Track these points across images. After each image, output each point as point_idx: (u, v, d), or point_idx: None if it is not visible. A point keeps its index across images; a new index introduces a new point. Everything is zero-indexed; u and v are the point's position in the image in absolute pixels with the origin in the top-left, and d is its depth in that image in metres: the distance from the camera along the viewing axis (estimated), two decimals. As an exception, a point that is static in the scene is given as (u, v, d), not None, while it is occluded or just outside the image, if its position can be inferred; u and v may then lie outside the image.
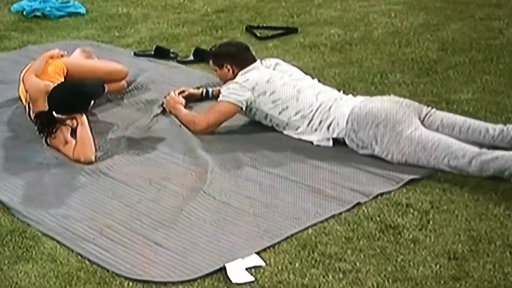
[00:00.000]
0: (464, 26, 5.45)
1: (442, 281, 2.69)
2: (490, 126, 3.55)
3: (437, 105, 3.97)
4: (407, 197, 3.25)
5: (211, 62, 4.08)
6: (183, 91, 4.27)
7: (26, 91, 4.03)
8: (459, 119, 3.63)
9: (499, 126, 3.53)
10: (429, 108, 3.70)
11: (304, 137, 3.77)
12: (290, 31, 5.50)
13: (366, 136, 3.56)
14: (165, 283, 2.75)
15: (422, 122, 3.60)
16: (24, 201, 3.37)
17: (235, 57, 3.99)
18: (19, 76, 4.19)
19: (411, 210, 3.15)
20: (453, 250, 2.87)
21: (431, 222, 3.06)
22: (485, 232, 2.97)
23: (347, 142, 3.64)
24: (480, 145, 3.46)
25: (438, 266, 2.78)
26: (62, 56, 4.31)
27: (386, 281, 2.70)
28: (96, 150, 3.73)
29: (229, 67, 3.97)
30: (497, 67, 4.65)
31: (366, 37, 5.33)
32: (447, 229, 3.01)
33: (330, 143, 3.70)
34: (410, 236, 2.98)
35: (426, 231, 3.01)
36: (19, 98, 4.24)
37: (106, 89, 4.22)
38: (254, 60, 4.01)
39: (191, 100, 4.27)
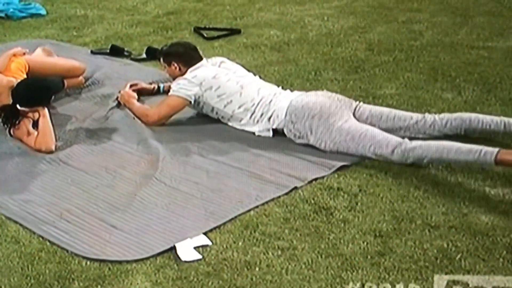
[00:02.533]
0: (388, 28, 5.49)
1: (369, 256, 2.72)
2: (413, 114, 3.60)
3: (365, 99, 4.00)
4: (338, 181, 3.27)
5: (161, 60, 4.05)
6: (136, 84, 4.22)
7: (-10, 87, 3.94)
8: (385, 109, 3.68)
9: (421, 115, 3.58)
10: (358, 101, 3.73)
11: (247, 128, 3.76)
12: (234, 32, 5.47)
13: (302, 127, 3.57)
14: (120, 262, 2.72)
15: (353, 114, 3.62)
16: (-12, 187, 3.29)
17: (182, 57, 3.96)
18: (-16, 72, 4.08)
19: (342, 193, 3.17)
20: (378, 229, 2.90)
21: (359, 203, 3.09)
22: (406, 212, 3.01)
23: (285, 132, 3.64)
24: (404, 131, 3.51)
25: (365, 243, 2.80)
26: (24, 54, 4.22)
27: (319, 257, 2.72)
28: (56, 140, 3.67)
29: (176, 65, 3.95)
30: (417, 65, 4.70)
31: (302, 38, 5.33)
32: (373, 210, 3.04)
33: (270, 134, 3.70)
34: (341, 216, 3.00)
35: (355, 211, 3.03)
36: (-16, 92, 4.13)
37: (66, 84, 4.16)
38: (201, 59, 3.99)
39: (143, 94, 4.22)
